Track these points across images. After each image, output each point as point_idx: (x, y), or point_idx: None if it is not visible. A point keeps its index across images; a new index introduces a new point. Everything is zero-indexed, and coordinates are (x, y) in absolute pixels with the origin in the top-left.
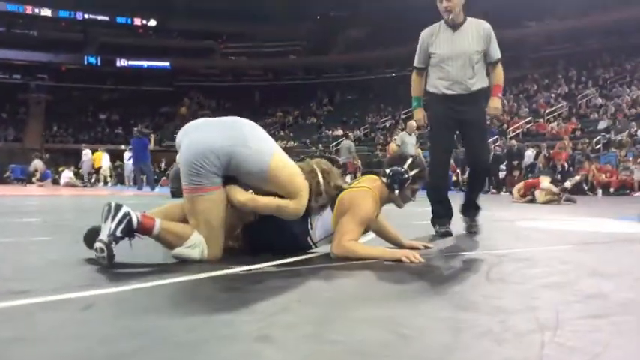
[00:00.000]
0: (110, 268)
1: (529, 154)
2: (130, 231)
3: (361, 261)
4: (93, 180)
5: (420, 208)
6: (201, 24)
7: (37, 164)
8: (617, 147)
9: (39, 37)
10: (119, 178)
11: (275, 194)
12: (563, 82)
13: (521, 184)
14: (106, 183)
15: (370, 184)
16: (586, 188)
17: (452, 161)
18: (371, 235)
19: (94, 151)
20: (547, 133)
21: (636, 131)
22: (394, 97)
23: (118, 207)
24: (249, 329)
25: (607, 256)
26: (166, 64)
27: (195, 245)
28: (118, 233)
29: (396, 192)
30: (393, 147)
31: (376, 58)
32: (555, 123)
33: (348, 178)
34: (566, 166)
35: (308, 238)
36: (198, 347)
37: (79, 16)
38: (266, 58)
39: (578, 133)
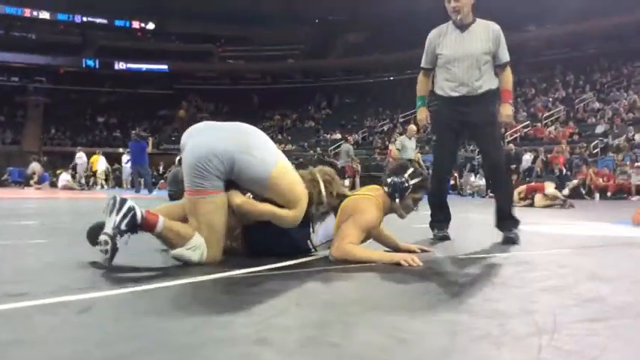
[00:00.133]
0: (108, 270)
1: (527, 158)
2: (134, 226)
3: (360, 264)
4: (90, 183)
5: (420, 211)
6: (200, 27)
7: (35, 167)
8: (615, 151)
9: (37, 40)
10: (117, 181)
11: (274, 202)
12: (560, 87)
13: (522, 187)
14: (102, 186)
15: (373, 193)
16: (584, 192)
17: None
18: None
19: (90, 155)
20: (545, 137)
21: (633, 135)
22: (392, 100)
23: (123, 201)
24: (247, 332)
25: (605, 259)
26: (164, 67)
27: (196, 247)
28: (123, 227)
29: (397, 201)
30: (393, 150)
31: (374, 62)
32: (553, 127)
33: (346, 182)
34: (564, 170)
35: (309, 242)
36: (196, 350)
37: (77, 19)
38: (264, 61)
39: (575, 137)
